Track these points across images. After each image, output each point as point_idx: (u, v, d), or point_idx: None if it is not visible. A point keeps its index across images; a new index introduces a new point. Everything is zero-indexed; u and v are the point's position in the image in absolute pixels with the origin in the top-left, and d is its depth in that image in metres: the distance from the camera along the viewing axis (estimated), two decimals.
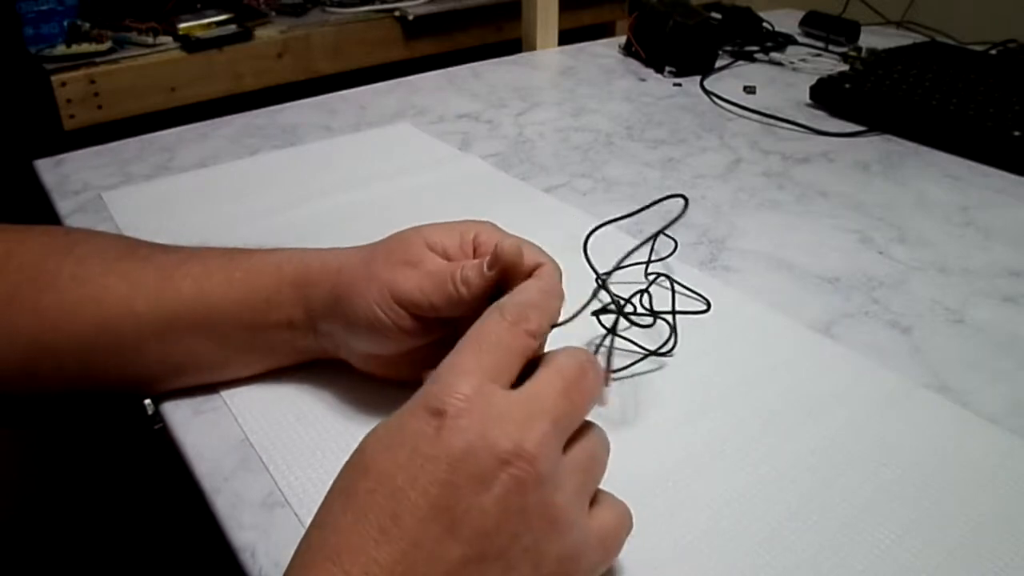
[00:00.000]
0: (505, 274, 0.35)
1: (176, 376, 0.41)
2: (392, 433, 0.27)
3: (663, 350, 0.44)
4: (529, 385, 0.28)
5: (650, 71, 0.99)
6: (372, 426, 0.39)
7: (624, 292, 0.48)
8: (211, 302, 0.39)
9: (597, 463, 0.30)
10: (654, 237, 0.56)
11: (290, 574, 0.26)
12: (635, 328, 0.46)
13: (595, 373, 0.29)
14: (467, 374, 0.27)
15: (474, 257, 0.38)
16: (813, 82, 0.85)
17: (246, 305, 0.40)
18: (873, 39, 1.05)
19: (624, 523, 0.30)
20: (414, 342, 0.38)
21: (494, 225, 0.39)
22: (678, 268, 0.54)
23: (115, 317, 0.39)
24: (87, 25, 1.25)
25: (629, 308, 0.46)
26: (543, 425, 0.27)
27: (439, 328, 0.38)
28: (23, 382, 0.39)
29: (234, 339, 0.40)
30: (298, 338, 0.41)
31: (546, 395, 0.28)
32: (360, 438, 0.39)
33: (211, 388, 0.42)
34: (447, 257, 0.38)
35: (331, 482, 0.37)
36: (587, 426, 0.29)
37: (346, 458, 0.37)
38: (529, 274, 0.35)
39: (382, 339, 0.38)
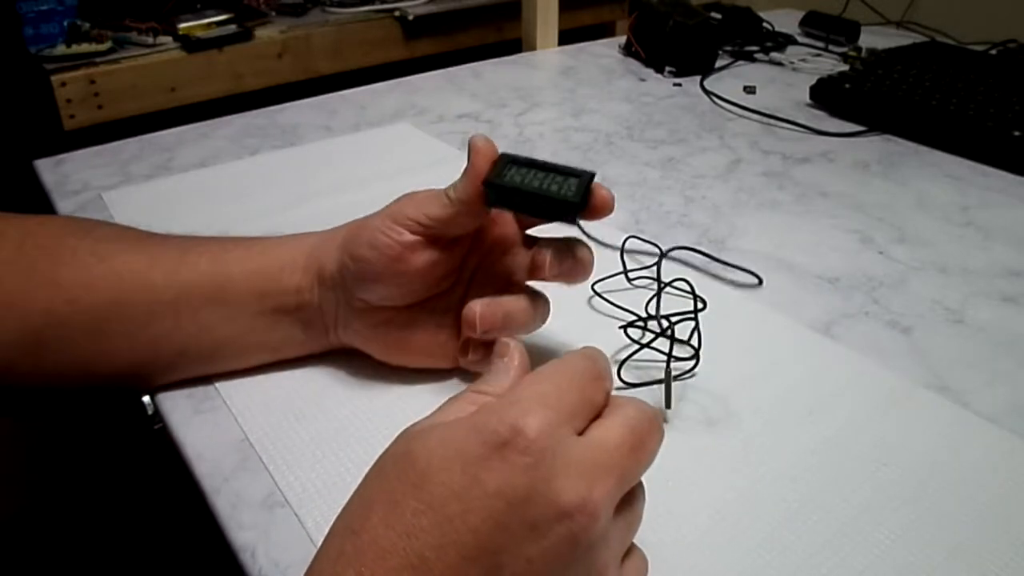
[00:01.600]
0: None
1: (180, 358, 0.42)
2: (448, 448, 0.26)
3: (688, 366, 0.43)
4: (598, 434, 0.27)
5: (650, 71, 0.99)
6: (372, 426, 0.40)
7: (621, 296, 0.48)
8: (227, 273, 0.41)
9: (638, 520, 0.29)
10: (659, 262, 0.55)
11: None
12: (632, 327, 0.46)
13: (661, 432, 0.28)
14: (544, 408, 0.26)
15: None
16: (813, 82, 0.85)
17: (260, 273, 0.41)
18: (873, 39, 1.05)
19: (644, 573, 0.30)
20: (415, 265, 0.38)
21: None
22: (678, 268, 0.54)
23: (131, 289, 0.40)
24: (87, 25, 1.25)
25: (653, 323, 0.46)
26: (609, 481, 0.26)
27: (439, 251, 0.39)
28: (30, 360, 0.40)
29: (243, 308, 0.41)
30: (304, 312, 0.41)
31: (615, 449, 0.27)
32: (360, 439, 0.39)
33: (211, 388, 0.42)
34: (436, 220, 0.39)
35: (331, 481, 0.37)
36: (637, 483, 0.29)
37: (346, 458, 0.38)
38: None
39: (384, 265, 0.38)
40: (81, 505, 0.98)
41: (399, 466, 0.26)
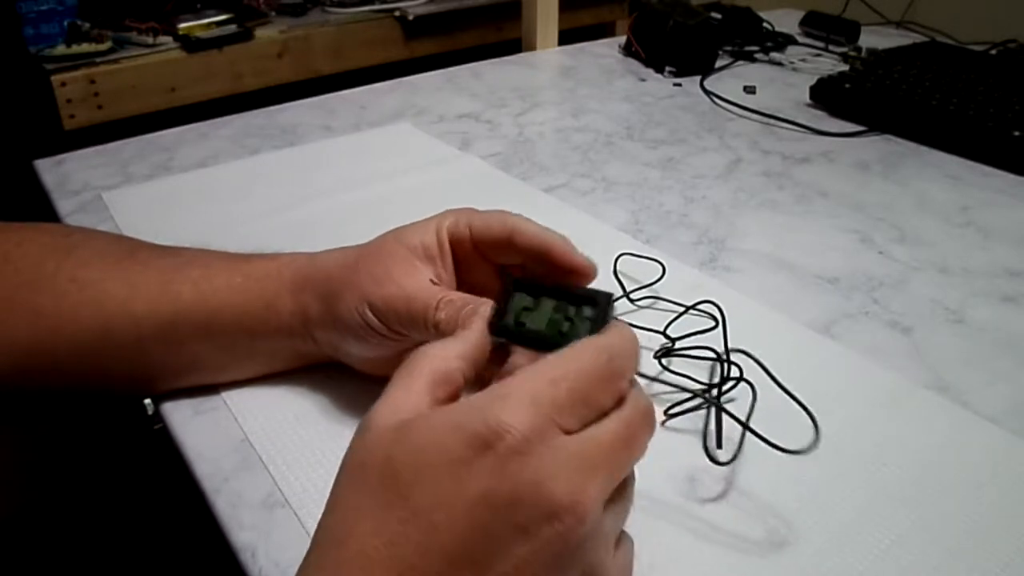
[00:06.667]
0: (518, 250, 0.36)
1: (177, 377, 0.41)
2: (430, 452, 0.25)
3: (720, 389, 0.42)
4: (592, 430, 0.26)
5: (650, 71, 0.99)
6: None
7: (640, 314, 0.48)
8: (212, 306, 0.39)
9: (629, 506, 0.29)
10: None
11: None
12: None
13: (653, 427, 0.28)
14: (532, 406, 0.25)
15: (449, 244, 0.37)
16: (813, 82, 0.85)
17: (246, 311, 0.39)
18: (873, 39, 1.05)
19: (632, 559, 0.30)
20: (399, 346, 0.38)
21: (468, 211, 0.38)
22: (679, 268, 0.54)
23: (115, 320, 0.39)
24: (87, 25, 1.25)
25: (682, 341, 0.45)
26: (600, 480, 0.25)
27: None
28: (21, 382, 0.39)
29: (235, 344, 0.40)
30: (298, 344, 0.40)
31: (608, 443, 0.26)
32: None
33: (211, 388, 0.42)
34: (428, 256, 0.37)
35: (331, 481, 0.36)
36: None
37: None
38: (537, 252, 0.35)
39: (367, 343, 0.38)
40: (81, 505, 0.98)
41: (382, 474, 0.26)
